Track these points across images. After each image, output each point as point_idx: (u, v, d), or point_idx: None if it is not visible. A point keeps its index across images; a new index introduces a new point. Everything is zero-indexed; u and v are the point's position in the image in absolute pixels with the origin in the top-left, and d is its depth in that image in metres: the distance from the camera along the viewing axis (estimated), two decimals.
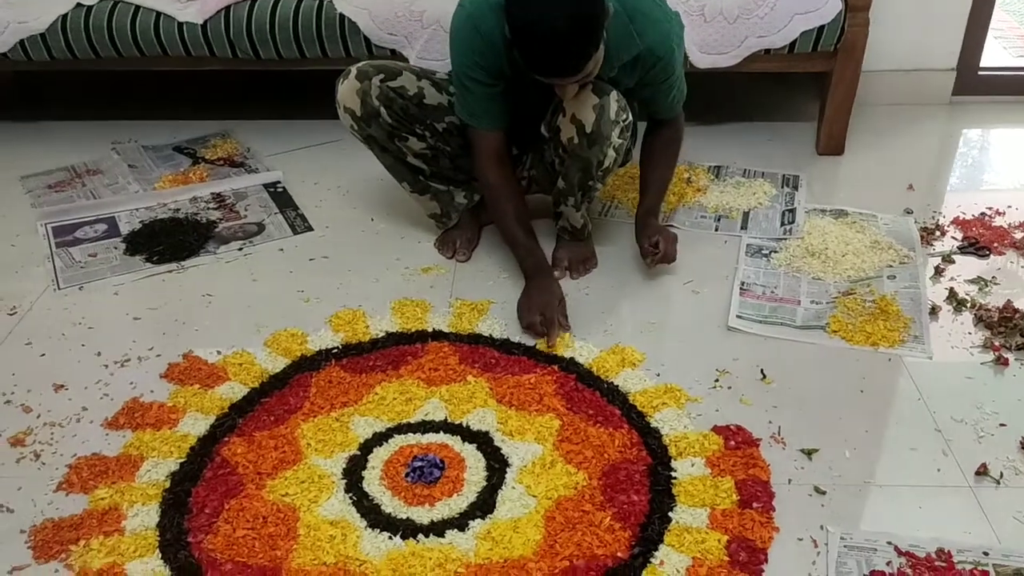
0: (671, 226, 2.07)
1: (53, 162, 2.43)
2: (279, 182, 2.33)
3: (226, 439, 1.51)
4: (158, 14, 2.29)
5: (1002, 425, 1.52)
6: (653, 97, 1.86)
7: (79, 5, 2.30)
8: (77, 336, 1.77)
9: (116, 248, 2.05)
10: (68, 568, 1.29)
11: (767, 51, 2.27)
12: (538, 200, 2.07)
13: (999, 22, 2.91)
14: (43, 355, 1.72)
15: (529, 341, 1.73)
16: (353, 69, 1.85)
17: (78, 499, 1.40)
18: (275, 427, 1.53)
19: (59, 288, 1.92)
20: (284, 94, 2.80)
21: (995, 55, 3.00)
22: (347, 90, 1.85)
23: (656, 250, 1.85)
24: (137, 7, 2.29)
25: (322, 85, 2.29)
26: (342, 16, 2.26)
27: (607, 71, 1.70)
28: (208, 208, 2.21)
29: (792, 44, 2.25)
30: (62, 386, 1.64)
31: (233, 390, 1.62)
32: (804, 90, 2.73)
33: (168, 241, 2.06)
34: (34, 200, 2.26)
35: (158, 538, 1.33)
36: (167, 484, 1.43)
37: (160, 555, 1.30)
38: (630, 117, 1.78)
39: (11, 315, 1.83)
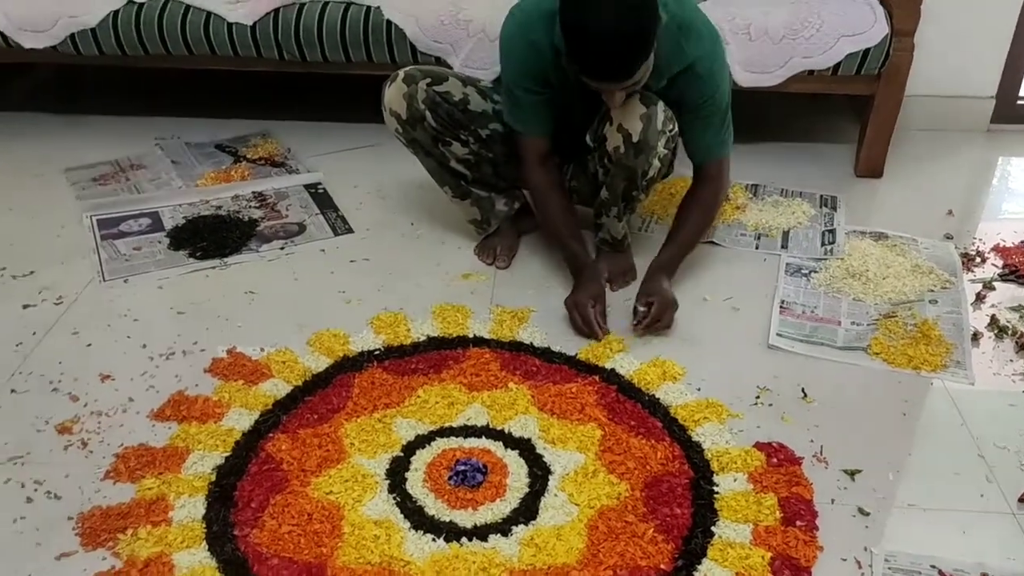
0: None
1: (97, 156, 2.45)
2: (320, 183, 2.35)
3: (270, 435, 1.52)
4: (208, 14, 2.31)
5: None
6: (692, 128, 1.80)
7: (131, 2, 2.32)
8: (122, 328, 1.79)
9: (160, 243, 2.07)
10: (116, 556, 1.30)
11: (811, 72, 2.27)
12: (578, 211, 2.08)
13: None
14: (89, 345, 1.74)
15: (570, 351, 1.74)
16: (400, 73, 1.87)
17: (125, 488, 1.42)
18: (319, 425, 1.55)
19: (104, 280, 1.94)
20: (324, 96, 2.83)
21: None
22: (394, 93, 1.86)
23: (645, 313, 1.75)
24: (188, 6, 2.31)
25: (363, 89, 2.32)
26: (389, 22, 2.28)
27: (656, 82, 1.71)
28: (250, 206, 2.23)
29: (836, 66, 2.25)
30: (108, 376, 1.66)
31: (277, 387, 1.63)
32: (841, 112, 2.74)
33: (211, 237, 2.08)
34: (79, 192, 2.28)
35: (204, 530, 1.34)
36: (213, 477, 1.44)
37: (207, 547, 1.32)
38: (676, 127, 1.78)
39: (57, 304, 1.86)
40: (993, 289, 1.96)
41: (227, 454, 1.48)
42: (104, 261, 2.00)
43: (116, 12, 2.32)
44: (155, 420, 1.55)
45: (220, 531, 1.34)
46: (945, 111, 2.69)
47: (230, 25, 2.31)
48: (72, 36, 2.35)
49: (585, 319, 1.76)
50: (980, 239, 2.16)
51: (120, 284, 1.93)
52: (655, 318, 1.75)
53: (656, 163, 1.80)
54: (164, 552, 1.30)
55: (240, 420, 1.56)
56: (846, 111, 2.71)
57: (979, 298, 1.92)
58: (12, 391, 1.62)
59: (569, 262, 1.89)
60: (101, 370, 1.67)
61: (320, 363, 1.70)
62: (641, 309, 1.76)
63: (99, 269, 1.97)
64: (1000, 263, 2.05)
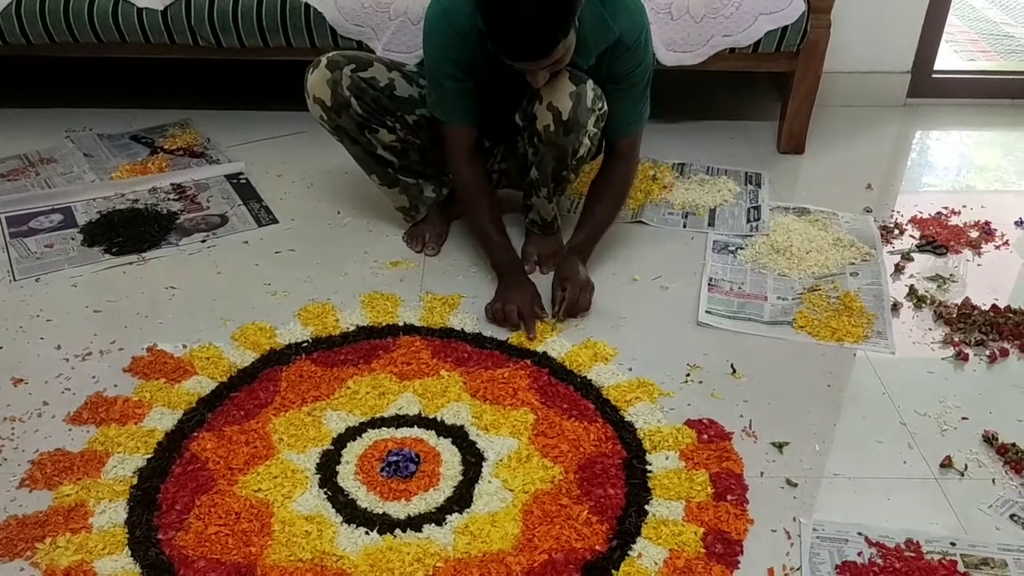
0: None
1: (5, 150, 2.35)
2: (241, 173, 2.29)
3: (195, 434, 1.48)
4: None
5: (964, 419, 1.56)
6: (612, 100, 1.78)
7: None
8: (35, 329, 1.72)
9: (73, 239, 1.99)
10: (34, 566, 1.25)
11: (732, 50, 2.29)
12: (508, 195, 2.07)
13: (950, 27, 2.97)
14: (0, 348, 1.67)
15: (501, 336, 1.73)
16: (323, 59, 1.83)
17: (42, 496, 1.36)
18: (245, 422, 1.51)
19: (15, 280, 1.86)
20: (243, 84, 2.75)
21: (947, 59, 3.08)
22: (317, 80, 1.82)
23: (562, 298, 1.75)
24: None
25: (283, 75, 2.26)
26: (307, 6, 2.23)
27: (585, 60, 1.70)
28: (168, 199, 2.16)
29: (756, 44, 2.28)
30: (21, 380, 1.59)
31: (200, 384, 1.59)
32: (764, 89, 2.78)
33: (128, 232, 2.01)
34: None
35: (127, 535, 1.30)
36: (134, 480, 1.39)
37: (130, 553, 1.27)
38: (605, 106, 1.77)
39: None
40: (911, 260, 2.01)
41: (149, 456, 1.44)
42: (14, 260, 1.91)
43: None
44: (72, 424, 1.49)
45: (143, 535, 1.29)
46: (863, 86, 2.75)
47: (140, 10, 2.23)
48: None
49: (527, 315, 1.74)
50: (898, 211, 2.21)
51: (31, 283, 1.85)
52: (571, 302, 1.75)
53: (586, 141, 1.79)
54: (85, 560, 1.25)
55: (162, 420, 1.51)
56: (768, 89, 2.75)
57: (898, 269, 1.97)
58: None
59: (496, 260, 1.86)
60: (13, 374, 1.60)
61: (246, 358, 1.66)
62: (559, 294, 1.76)
63: (9, 268, 1.88)
64: (917, 234, 2.11)
